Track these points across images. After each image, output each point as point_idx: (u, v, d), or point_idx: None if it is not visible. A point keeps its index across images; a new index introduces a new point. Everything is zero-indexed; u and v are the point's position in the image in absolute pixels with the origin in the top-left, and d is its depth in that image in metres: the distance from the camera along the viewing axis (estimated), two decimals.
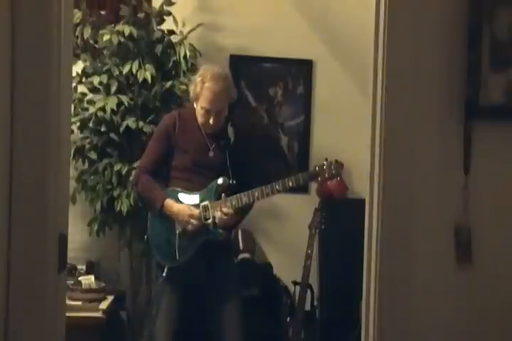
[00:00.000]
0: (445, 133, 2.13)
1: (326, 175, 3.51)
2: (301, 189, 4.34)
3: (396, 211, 2.12)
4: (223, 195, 3.44)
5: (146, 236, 3.60)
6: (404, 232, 2.11)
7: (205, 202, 3.45)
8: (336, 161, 3.56)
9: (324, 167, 3.51)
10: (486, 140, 2.13)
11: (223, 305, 3.49)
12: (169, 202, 3.45)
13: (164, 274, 3.45)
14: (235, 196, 3.43)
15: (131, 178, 3.92)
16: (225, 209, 3.41)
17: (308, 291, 4.25)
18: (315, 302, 4.47)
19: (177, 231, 3.46)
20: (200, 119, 3.50)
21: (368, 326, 2.18)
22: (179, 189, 3.49)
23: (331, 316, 4.48)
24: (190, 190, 3.49)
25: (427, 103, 2.12)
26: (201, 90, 3.45)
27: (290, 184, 3.43)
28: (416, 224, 2.11)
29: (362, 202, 2.30)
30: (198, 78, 3.49)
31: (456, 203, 2.12)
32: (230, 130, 3.58)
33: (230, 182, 3.46)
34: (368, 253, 2.19)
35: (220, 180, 3.47)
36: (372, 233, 2.17)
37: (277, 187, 3.44)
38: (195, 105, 3.53)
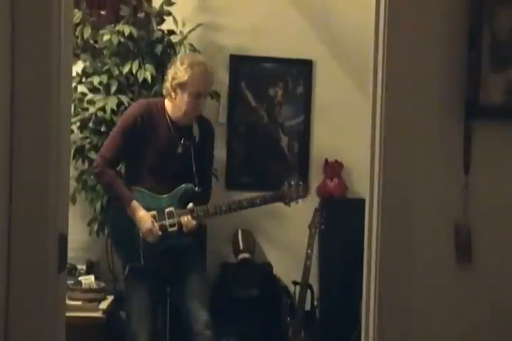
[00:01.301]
0: (445, 132, 2.13)
1: (294, 195, 3.61)
2: None
3: (396, 211, 2.12)
4: (191, 203, 3.46)
5: (107, 231, 3.57)
6: (404, 232, 2.11)
7: (171, 208, 3.46)
8: (301, 183, 3.66)
9: (292, 188, 3.60)
10: (486, 139, 2.13)
11: (188, 282, 3.49)
12: (135, 204, 3.42)
13: (126, 272, 3.48)
14: (202, 207, 3.47)
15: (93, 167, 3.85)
16: (190, 218, 3.43)
17: (308, 291, 4.26)
18: (315, 302, 4.48)
19: (141, 235, 3.45)
20: (185, 107, 3.44)
21: (368, 326, 2.18)
22: (145, 190, 3.47)
23: (331, 316, 4.48)
24: (156, 191, 3.47)
25: (427, 103, 2.12)
26: (192, 75, 3.41)
27: (258, 201, 3.54)
28: (416, 224, 2.11)
29: (362, 202, 2.30)
30: (183, 66, 3.43)
31: (456, 203, 2.12)
32: (196, 127, 3.56)
33: (196, 189, 3.49)
34: (368, 253, 2.19)
35: (186, 187, 3.48)
36: (372, 233, 2.17)
37: (245, 204, 3.53)
38: (174, 95, 3.45)
